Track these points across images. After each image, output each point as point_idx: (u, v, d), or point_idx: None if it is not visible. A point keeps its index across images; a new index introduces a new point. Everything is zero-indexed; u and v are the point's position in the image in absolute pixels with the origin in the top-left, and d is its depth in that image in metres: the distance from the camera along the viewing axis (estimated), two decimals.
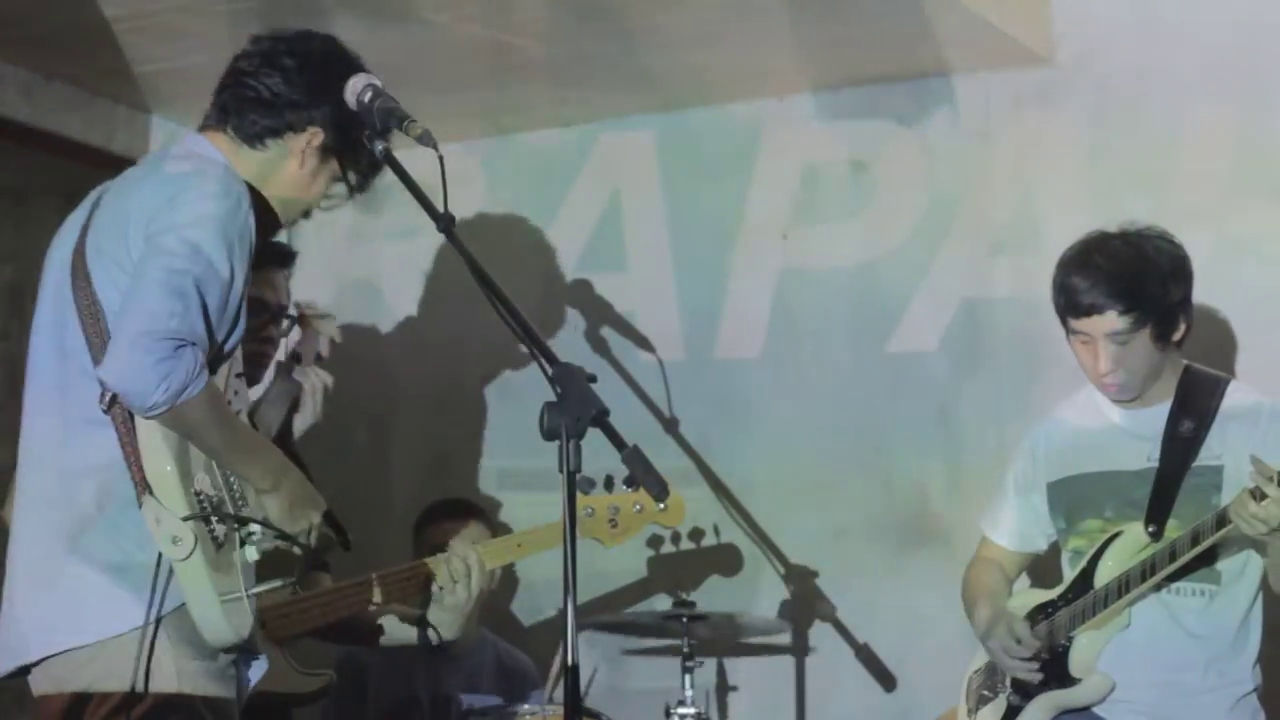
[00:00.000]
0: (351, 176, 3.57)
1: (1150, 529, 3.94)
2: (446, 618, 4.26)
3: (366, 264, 6.34)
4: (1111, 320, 3.91)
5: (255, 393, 3.75)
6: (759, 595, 5.66)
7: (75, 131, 5.72)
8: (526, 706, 4.83)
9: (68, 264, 3.40)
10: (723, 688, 5.59)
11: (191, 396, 3.16)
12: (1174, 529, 3.92)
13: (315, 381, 3.75)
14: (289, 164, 3.50)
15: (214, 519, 3.26)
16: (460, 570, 4.26)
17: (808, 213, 5.82)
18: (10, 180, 5.98)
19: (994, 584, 4.24)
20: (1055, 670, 4.05)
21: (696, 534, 5.62)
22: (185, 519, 3.21)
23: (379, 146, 3.43)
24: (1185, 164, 5.31)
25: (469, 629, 5.25)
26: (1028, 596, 4.22)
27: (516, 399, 5.93)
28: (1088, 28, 5.46)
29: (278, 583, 3.39)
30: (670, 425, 5.79)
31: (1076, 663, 4.01)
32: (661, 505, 4.52)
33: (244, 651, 3.40)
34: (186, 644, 3.28)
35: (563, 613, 2.97)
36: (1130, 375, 3.97)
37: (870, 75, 5.64)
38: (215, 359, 3.31)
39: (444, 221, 3.31)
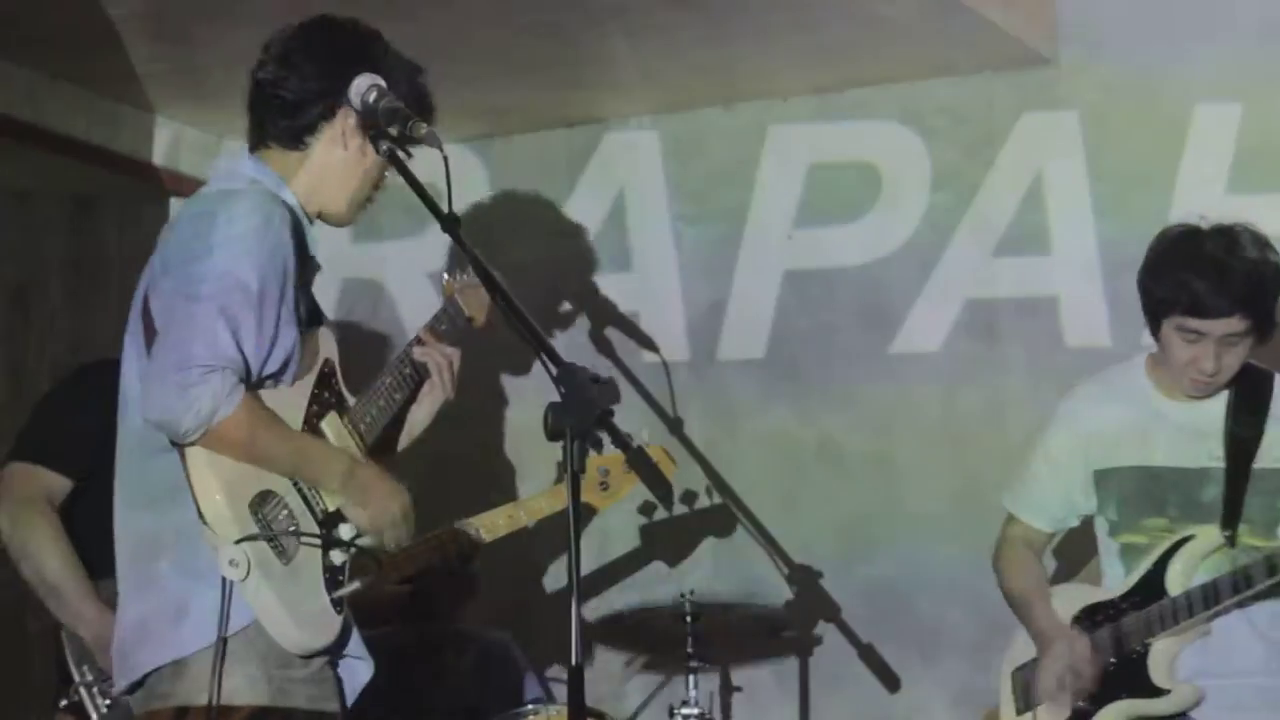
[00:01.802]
0: (400, 138, 3.52)
1: (1226, 533, 3.92)
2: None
3: (371, 264, 6.33)
4: (1233, 324, 3.89)
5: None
6: (763, 595, 5.64)
7: (79, 131, 5.72)
8: (530, 706, 4.82)
9: (142, 295, 3.45)
10: (726, 688, 5.59)
11: (224, 417, 3.22)
12: (1245, 534, 3.90)
13: (440, 359, 3.73)
14: (335, 151, 3.52)
15: (267, 538, 3.30)
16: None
17: (812, 213, 5.82)
18: (14, 180, 5.97)
19: (1038, 577, 4.21)
20: (1133, 679, 3.99)
21: (689, 497, 5.63)
22: (237, 542, 3.26)
23: (383, 146, 3.43)
24: (1189, 164, 5.31)
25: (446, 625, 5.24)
26: (1074, 594, 4.17)
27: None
28: (1092, 28, 5.45)
29: (356, 584, 3.43)
30: (674, 425, 5.78)
31: (1158, 671, 3.96)
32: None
33: (334, 654, 3.44)
34: (276, 653, 3.34)
35: (566, 611, 2.97)
36: (1227, 375, 3.96)
37: (874, 76, 5.64)
38: (263, 376, 3.36)
39: (449, 221, 3.32)
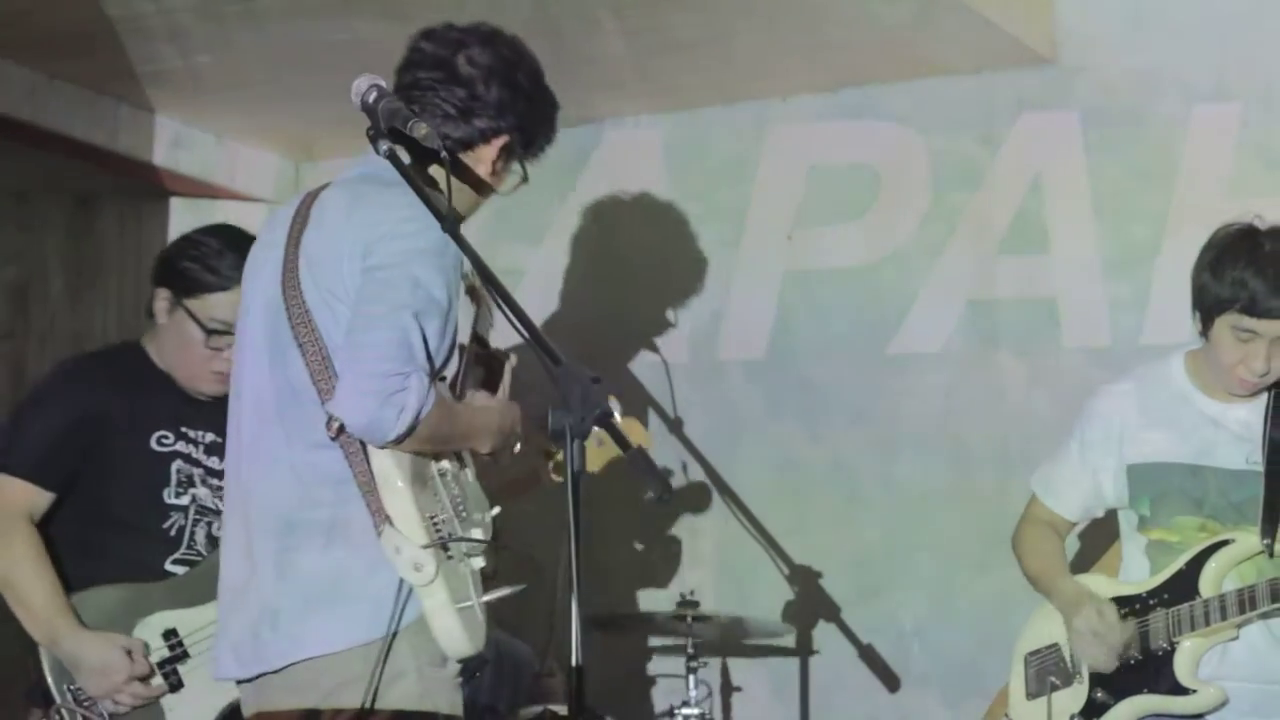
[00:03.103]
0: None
1: (1265, 541, 3.90)
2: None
3: None
4: None
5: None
6: (763, 595, 5.65)
7: (79, 131, 5.72)
8: (533, 708, 4.82)
9: (277, 296, 3.40)
10: (727, 688, 5.59)
11: (425, 418, 3.24)
12: None
13: (508, 362, 3.74)
14: (479, 170, 3.53)
15: (449, 541, 3.31)
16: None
17: (812, 214, 5.82)
18: (14, 180, 5.98)
19: (1055, 552, 4.19)
20: (1157, 675, 3.97)
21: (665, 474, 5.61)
22: (425, 547, 3.27)
23: (383, 146, 3.42)
24: (1188, 163, 5.31)
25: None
26: (1099, 585, 4.12)
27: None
28: (1090, 27, 5.46)
29: (507, 590, 3.43)
30: (675, 426, 5.79)
31: (1183, 670, 3.94)
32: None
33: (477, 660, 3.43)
34: (427, 655, 3.33)
35: (564, 611, 2.97)
36: (1275, 376, 3.94)
37: (874, 76, 5.64)
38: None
39: (449, 221, 3.31)
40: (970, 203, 5.60)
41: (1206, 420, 4.03)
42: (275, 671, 3.35)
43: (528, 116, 3.57)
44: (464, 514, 3.41)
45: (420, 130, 3.35)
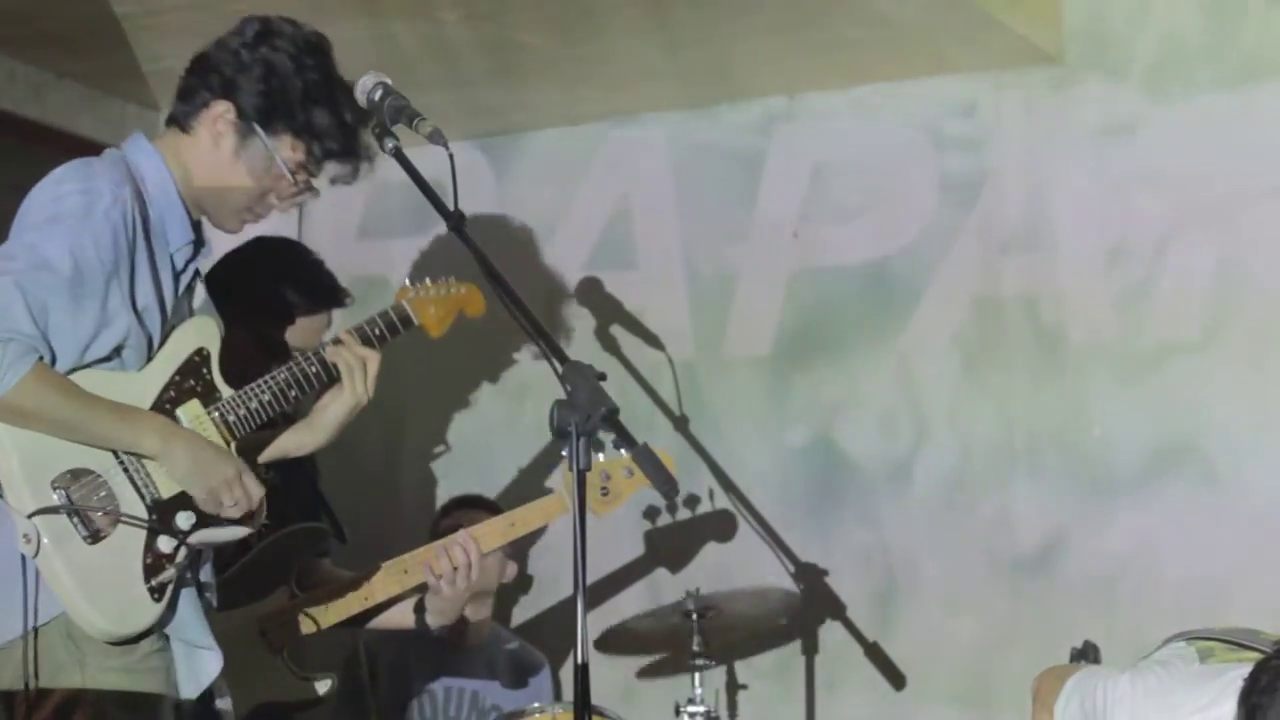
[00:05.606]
0: (306, 161, 3.51)
1: None
2: (443, 605, 4.26)
3: (377, 261, 6.33)
4: None
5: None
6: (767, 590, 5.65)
7: (85, 130, 5.72)
8: (536, 705, 4.82)
9: None
10: (732, 685, 5.59)
11: (9, 386, 3.17)
12: None
13: (352, 360, 3.64)
14: (203, 143, 3.52)
15: (67, 511, 3.24)
16: (460, 558, 4.25)
17: (818, 211, 5.81)
18: (20, 178, 5.96)
19: None
20: None
21: (692, 501, 5.62)
22: (29, 516, 3.22)
23: (390, 144, 3.42)
24: (1196, 162, 5.29)
25: (481, 625, 5.27)
26: None
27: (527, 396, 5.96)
28: (1098, 27, 5.45)
29: (172, 570, 3.31)
30: (680, 423, 5.78)
31: None
32: None
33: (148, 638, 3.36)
34: (96, 640, 3.29)
35: (570, 609, 2.97)
36: None
37: (881, 73, 5.64)
38: (90, 359, 3.31)
39: (455, 219, 3.31)
40: (977, 200, 5.59)
41: None
42: None
43: (269, 87, 3.52)
44: (150, 501, 3.32)
45: (425, 129, 3.36)
